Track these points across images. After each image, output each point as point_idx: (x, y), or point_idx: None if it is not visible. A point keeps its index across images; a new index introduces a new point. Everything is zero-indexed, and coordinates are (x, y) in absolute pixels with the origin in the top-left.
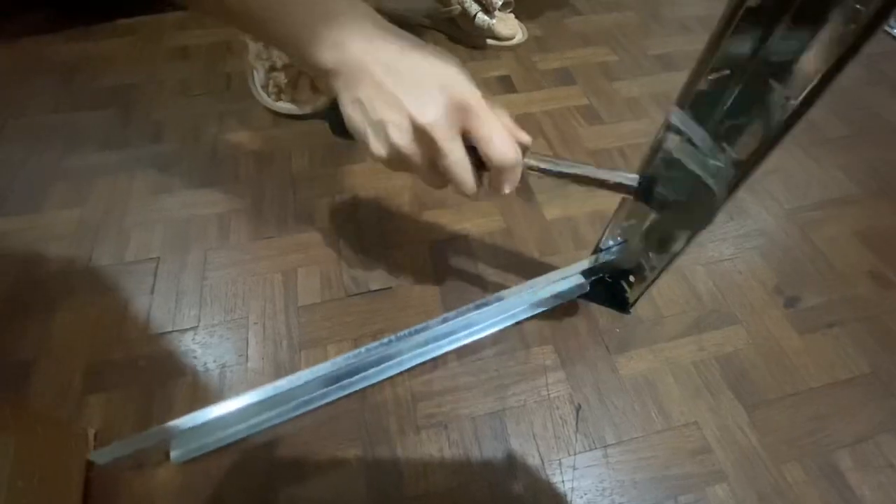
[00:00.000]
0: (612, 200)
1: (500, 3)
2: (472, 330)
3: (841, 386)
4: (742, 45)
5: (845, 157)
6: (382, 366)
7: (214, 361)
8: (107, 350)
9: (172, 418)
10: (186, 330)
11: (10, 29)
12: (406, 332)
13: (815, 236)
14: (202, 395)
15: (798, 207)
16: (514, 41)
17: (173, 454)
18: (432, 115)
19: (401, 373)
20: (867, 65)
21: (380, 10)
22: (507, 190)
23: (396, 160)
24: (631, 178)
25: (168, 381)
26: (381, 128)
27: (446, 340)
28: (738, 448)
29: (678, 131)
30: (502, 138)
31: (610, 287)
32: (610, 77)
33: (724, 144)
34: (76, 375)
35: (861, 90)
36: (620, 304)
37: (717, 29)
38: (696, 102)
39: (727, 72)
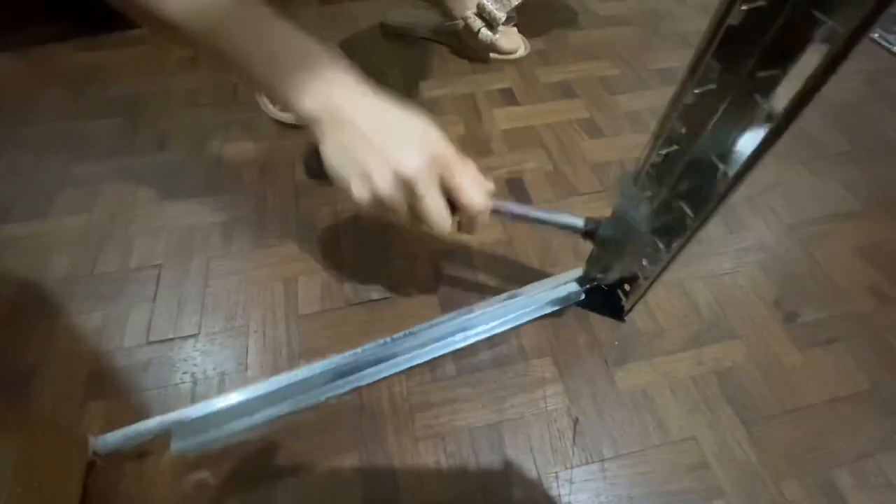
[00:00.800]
0: (607, 213)
1: (504, 18)
2: (467, 333)
3: (841, 402)
4: (688, 126)
5: (846, 173)
6: (380, 366)
7: (214, 369)
8: (108, 357)
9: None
10: (187, 337)
11: (23, 39)
12: (402, 333)
13: (815, 251)
14: (199, 402)
15: (799, 222)
16: (517, 55)
17: (174, 445)
18: (414, 165)
19: (398, 374)
20: (869, 80)
21: (386, 24)
22: (476, 231)
23: (378, 204)
24: (578, 221)
25: (168, 388)
26: (365, 175)
27: (441, 343)
28: (737, 464)
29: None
30: (473, 187)
31: (606, 295)
32: (611, 91)
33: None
34: (78, 381)
35: (862, 106)
36: (616, 311)
37: (667, 110)
38: (646, 175)
39: (675, 147)
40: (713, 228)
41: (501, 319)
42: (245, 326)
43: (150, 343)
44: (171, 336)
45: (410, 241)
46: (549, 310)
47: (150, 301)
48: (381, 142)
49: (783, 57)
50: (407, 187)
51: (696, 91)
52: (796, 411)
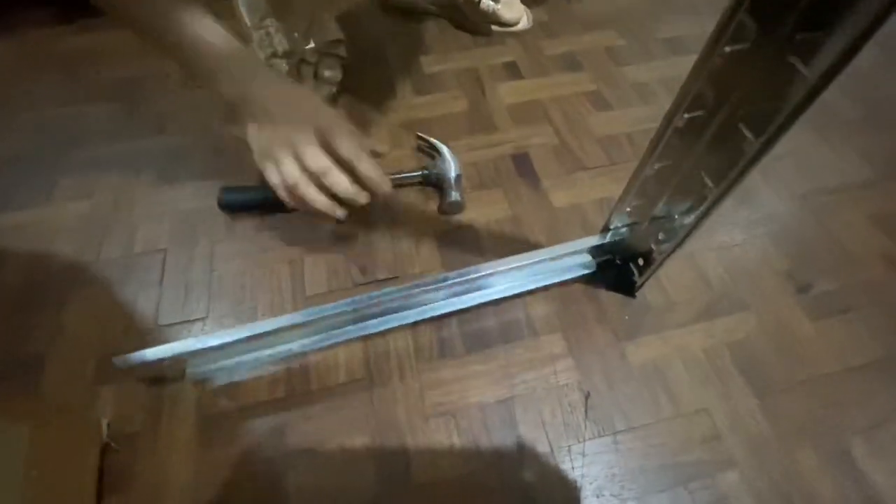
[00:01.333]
0: (620, 187)
1: None
2: (474, 295)
3: (855, 372)
4: (716, 89)
5: (859, 140)
6: (387, 317)
7: None
8: (118, 341)
9: (182, 408)
10: (195, 321)
11: (19, 24)
12: (411, 284)
13: (827, 221)
14: (210, 387)
15: (810, 191)
16: (519, 27)
17: (189, 371)
18: (306, 138)
19: (408, 326)
20: (883, 46)
21: (384, 3)
22: (378, 189)
23: (291, 190)
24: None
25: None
26: (272, 157)
27: (447, 302)
28: (749, 435)
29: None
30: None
31: (619, 270)
32: (618, 62)
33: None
34: (88, 367)
35: (876, 72)
36: (627, 287)
37: (693, 70)
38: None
39: (701, 112)
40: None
41: (510, 284)
42: (253, 308)
43: (159, 327)
44: (179, 320)
45: (416, 220)
46: (561, 278)
47: (157, 286)
48: (283, 123)
49: (827, 17)
50: (303, 163)
51: (727, 49)
52: (809, 381)
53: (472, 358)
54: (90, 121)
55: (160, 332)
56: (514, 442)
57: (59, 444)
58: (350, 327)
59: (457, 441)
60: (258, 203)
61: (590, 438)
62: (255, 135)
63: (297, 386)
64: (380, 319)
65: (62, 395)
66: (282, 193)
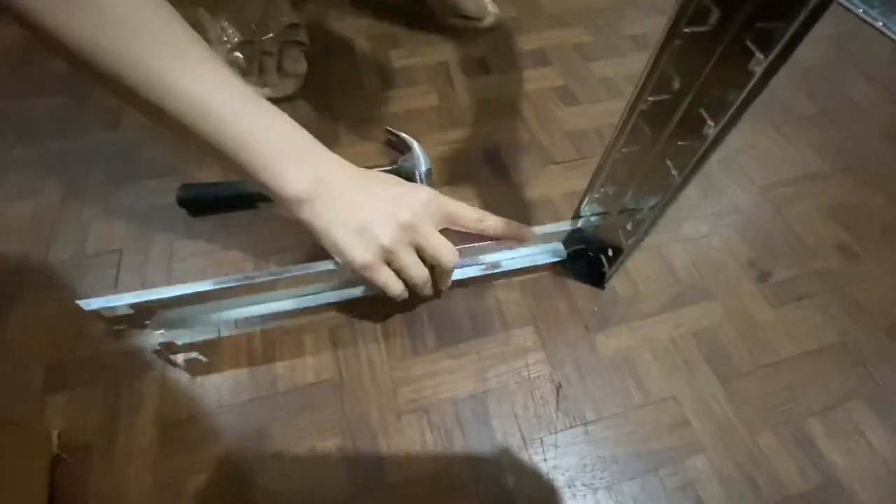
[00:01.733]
0: (584, 183)
1: None
2: None
3: (812, 356)
4: (678, 72)
5: (814, 135)
6: (354, 289)
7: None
8: (69, 348)
9: (141, 414)
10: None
11: None
12: None
13: (786, 212)
14: (171, 391)
15: (771, 184)
16: (485, 22)
17: (152, 324)
18: (411, 212)
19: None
20: (835, 45)
21: None
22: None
23: (381, 262)
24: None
25: (135, 377)
26: (366, 231)
27: None
28: (715, 420)
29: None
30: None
31: (589, 262)
32: (585, 58)
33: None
34: (36, 375)
35: (828, 69)
36: (597, 279)
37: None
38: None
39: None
40: (689, 192)
41: (481, 265)
42: None
43: (114, 331)
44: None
45: None
46: (530, 263)
47: (112, 288)
48: (376, 200)
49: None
50: (408, 235)
51: (687, 30)
52: (770, 366)
53: (443, 353)
54: (36, 115)
55: (116, 336)
56: (488, 436)
57: (6, 459)
58: (322, 294)
59: (430, 438)
60: (220, 200)
61: (562, 430)
62: (337, 215)
63: (263, 388)
64: (349, 290)
65: (7, 409)
66: (371, 274)
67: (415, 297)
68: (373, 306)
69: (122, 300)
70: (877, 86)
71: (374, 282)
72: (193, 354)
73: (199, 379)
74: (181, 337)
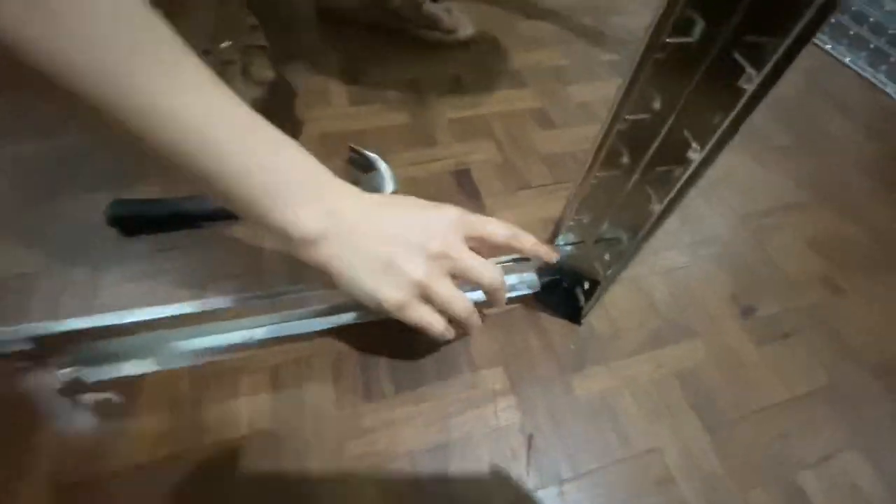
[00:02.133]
0: (559, 207)
1: None
2: None
3: (801, 401)
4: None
5: (790, 165)
6: (296, 323)
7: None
8: None
9: (34, 475)
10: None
11: None
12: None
13: (767, 243)
14: (73, 444)
15: (750, 213)
16: (461, 35)
17: (58, 361)
18: (440, 241)
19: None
20: (806, 77)
21: (321, 9)
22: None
23: (414, 299)
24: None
25: (33, 427)
26: (394, 267)
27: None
28: (702, 475)
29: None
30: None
31: (564, 295)
32: (563, 81)
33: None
34: None
35: (801, 100)
36: (573, 313)
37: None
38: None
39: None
40: (667, 221)
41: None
42: None
43: (14, 371)
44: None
45: None
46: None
47: (25, 320)
48: (398, 229)
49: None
50: (441, 264)
51: (668, 41)
52: (758, 412)
53: (401, 399)
54: None
55: (15, 377)
56: (448, 497)
57: None
58: (270, 326)
59: (381, 499)
60: (156, 218)
61: (533, 490)
62: (358, 251)
63: (185, 440)
64: (301, 322)
65: None
66: (401, 312)
67: (459, 331)
68: (326, 341)
69: (20, 333)
70: (848, 118)
71: (411, 322)
72: (105, 395)
73: (110, 427)
74: (95, 375)
